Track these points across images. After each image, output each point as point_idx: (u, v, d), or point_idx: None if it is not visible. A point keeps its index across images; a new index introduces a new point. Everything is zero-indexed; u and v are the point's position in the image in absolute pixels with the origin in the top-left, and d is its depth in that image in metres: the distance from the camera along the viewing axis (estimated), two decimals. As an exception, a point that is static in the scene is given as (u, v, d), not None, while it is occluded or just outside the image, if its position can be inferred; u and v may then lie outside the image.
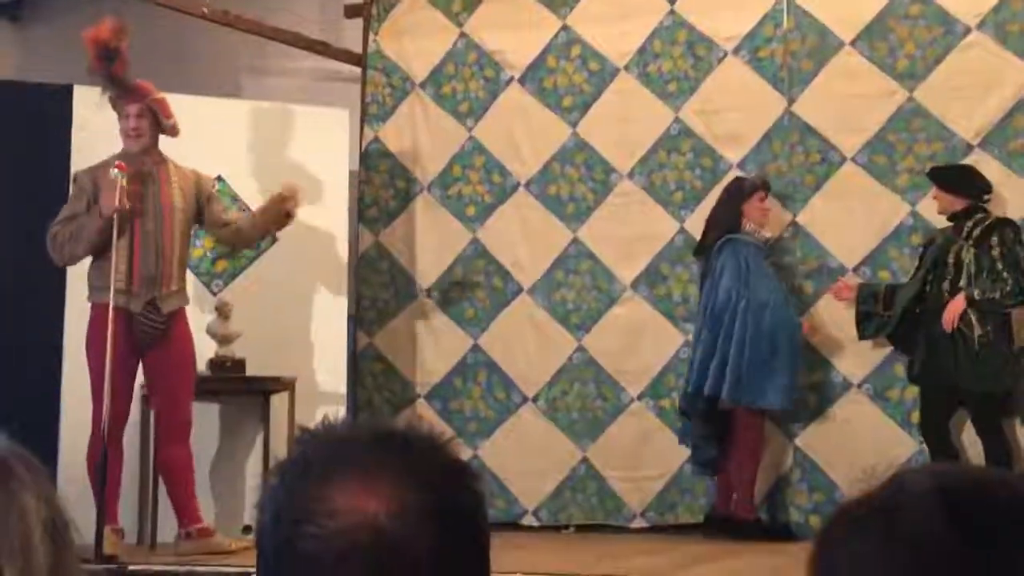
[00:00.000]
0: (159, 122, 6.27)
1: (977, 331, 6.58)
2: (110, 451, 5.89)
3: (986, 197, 6.84)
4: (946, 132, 7.22)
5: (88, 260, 6.23)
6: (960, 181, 6.88)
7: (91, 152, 7.02)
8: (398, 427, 1.28)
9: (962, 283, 6.68)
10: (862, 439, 7.14)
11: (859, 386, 7.25)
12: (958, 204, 6.81)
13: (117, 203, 5.89)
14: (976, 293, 6.60)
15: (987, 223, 6.73)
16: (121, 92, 6.20)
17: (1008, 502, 1.14)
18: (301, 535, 1.18)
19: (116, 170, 5.92)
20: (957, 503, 1.12)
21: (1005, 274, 6.61)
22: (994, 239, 6.68)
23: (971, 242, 6.71)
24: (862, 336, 7.09)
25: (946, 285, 6.74)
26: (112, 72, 6.17)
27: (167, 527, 6.42)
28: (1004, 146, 7.12)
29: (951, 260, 6.77)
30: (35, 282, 6.87)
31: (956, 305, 6.62)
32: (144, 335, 6.14)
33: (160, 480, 6.46)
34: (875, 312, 7.02)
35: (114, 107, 6.27)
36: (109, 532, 5.91)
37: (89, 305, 6.19)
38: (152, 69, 7.74)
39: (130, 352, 6.07)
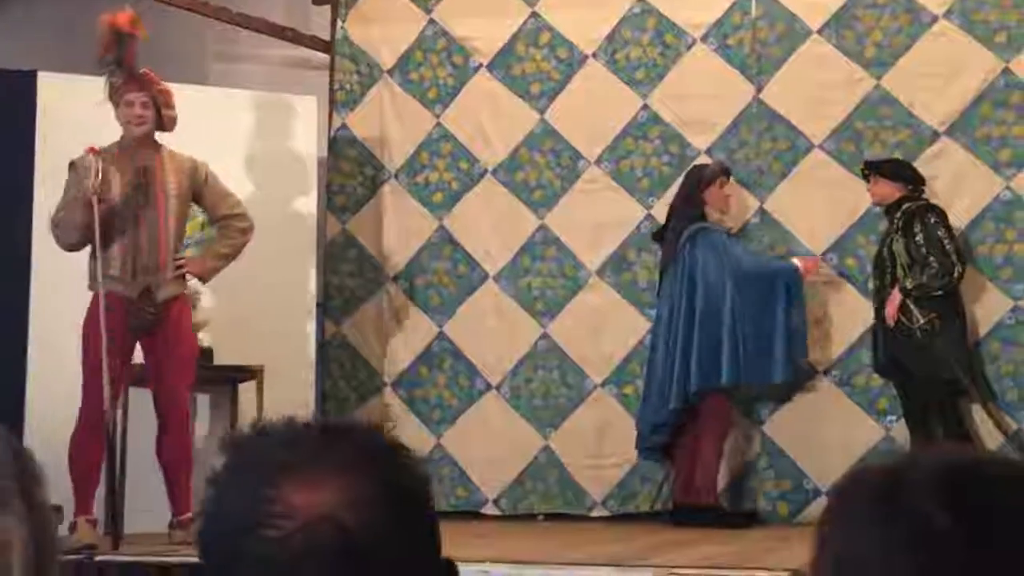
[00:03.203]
0: (160, 112, 6.22)
1: (919, 321, 6.64)
2: (94, 440, 5.84)
3: (921, 188, 6.90)
4: (913, 120, 7.26)
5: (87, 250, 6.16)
6: (896, 170, 6.93)
7: (55, 139, 6.97)
8: (335, 420, 1.30)
9: (898, 274, 6.75)
10: (829, 426, 7.18)
11: (825, 373, 7.28)
12: (895, 194, 6.87)
13: (91, 188, 5.86)
14: (908, 283, 6.67)
15: (911, 211, 6.79)
16: (128, 79, 6.15)
17: (1011, 488, 1.13)
18: (257, 538, 1.16)
19: (89, 155, 5.92)
20: (958, 488, 1.12)
21: (931, 258, 6.66)
22: (917, 226, 6.74)
23: (899, 232, 6.77)
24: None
25: (887, 278, 6.81)
26: (122, 57, 6.14)
27: (133, 518, 6.37)
28: (970, 134, 7.17)
29: (886, 253, 6.84)
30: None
31: (893, 299, 6.72)
32: (138, 323, 6.08)
33: (126, 471, 6.41)
34: None
35: (111, 96, 6.19)
36: (83, 522, 5.88)
37: (91, 295, 6.06)
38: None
39: (127, 341, 6.04)
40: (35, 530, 1.30)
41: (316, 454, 1.20)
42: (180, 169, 6.27)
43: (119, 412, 6.25)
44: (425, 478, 1.27)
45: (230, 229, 6.41)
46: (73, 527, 5.90)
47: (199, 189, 6.34)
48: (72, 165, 6.10)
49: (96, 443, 5.91)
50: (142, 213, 6.10)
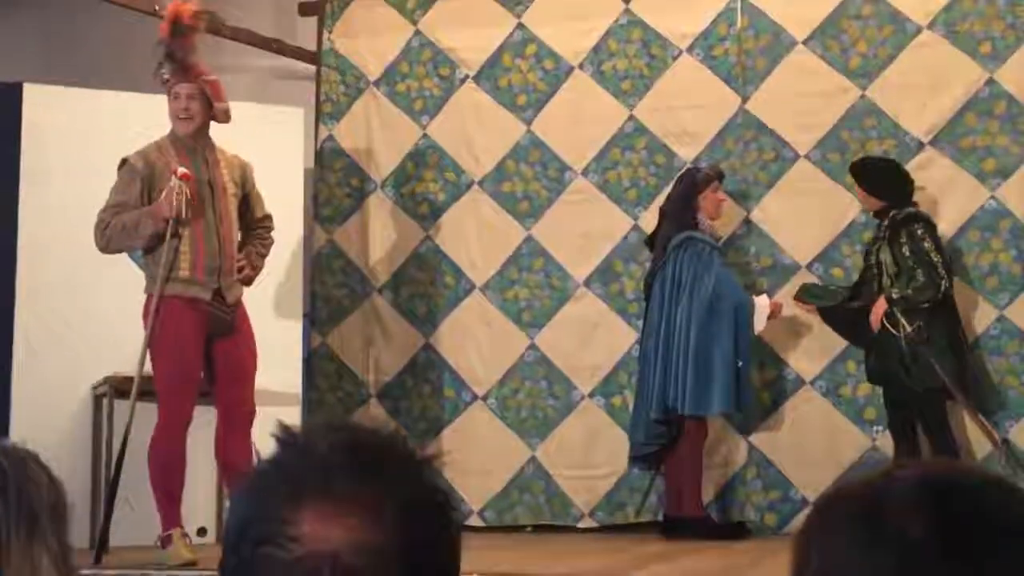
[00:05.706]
0: (210, 105, 6.02)
1: (905, 330, 6.61)
2: (177, 449, 5.70)
3: (907, 195, 6.84)
4: (898, 130, 7.27)
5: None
6: (880, 182, 6.87)
7: (41, 151, 6.96)
8: (378, 441, 1.25)
9: (884, 283, 6.73)
10: (815, 436, 7.18)
11: (812, 383, 7.28)
12: (875, 203, 6.86)
13: (174, 212, 5.70)
14: (894, 293, 6.65)
15: (897, 219, 6.76)
16: (176, 69, 5.96)
17: (990, 499, 1.13)
18: (265, 555, 1.17)
19: (178, 179, 5.74)
20: (937, 500, 1.11)
21: (917, 270, 6.64)
22: (903, 236, 6.70)
23: (886, 240, 6.76)
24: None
25: (875, 286, 6.80)
26: (175, 46, 5.96)
27: (118, 532, 6.31)
28: (955, 144, 7.18)
29: (873, 260, 6.83)
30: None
31: (878, 307, 6.69)
32: (215, 326, 5.90)
33: (118, 481, 6.24)
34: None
35: (168, 90, 6.03)
36: (179, 536, 5.67)
37: (145, 296, 5.89)
38: (103, 66, 7.68)
39: (202, 345, 5.86)
40: (63, 565, 1.30)
41: (345, 484, 1.19)
42: (232, 167, 6.12)
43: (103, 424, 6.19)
44: (454, 529, 1.25)
45: (265, 231, 6.33)
46: (167, 542, 5.68)
47: (248, 190, 6.21)
48: (124, 164, 5.91)
49: (179, 452, 5.75)
50: (209, 212, 5.93)
